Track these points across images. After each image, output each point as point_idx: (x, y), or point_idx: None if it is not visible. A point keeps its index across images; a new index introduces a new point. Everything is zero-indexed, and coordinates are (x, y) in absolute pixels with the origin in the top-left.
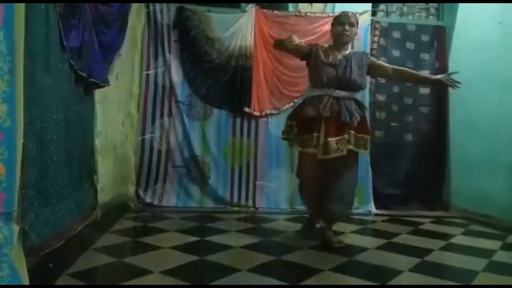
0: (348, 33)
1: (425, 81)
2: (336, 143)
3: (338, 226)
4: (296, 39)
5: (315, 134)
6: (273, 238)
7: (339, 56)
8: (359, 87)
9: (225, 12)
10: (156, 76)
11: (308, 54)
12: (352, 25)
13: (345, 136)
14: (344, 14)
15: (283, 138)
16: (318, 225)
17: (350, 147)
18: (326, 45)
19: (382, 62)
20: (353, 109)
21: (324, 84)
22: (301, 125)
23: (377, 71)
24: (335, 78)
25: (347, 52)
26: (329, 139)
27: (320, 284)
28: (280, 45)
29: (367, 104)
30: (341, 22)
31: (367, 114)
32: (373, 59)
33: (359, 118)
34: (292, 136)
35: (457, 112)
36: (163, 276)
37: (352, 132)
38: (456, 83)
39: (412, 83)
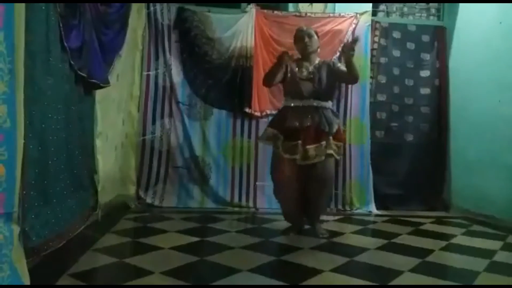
0: (309, 43)
1: (347, 68)
2: (314, 150)
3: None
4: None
5: (299, 141)
6: (273, 239)
7: (311, 68)
8: (331, 97)
9: (225, 13)
10: (156, 76)
11: (284, 71)
12: (310, 35)
13: (322, 143)
14: (299, 30)
15: (262, 143)
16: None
17: (330, 151)
18: (295, 58)
19: (340, 66)
20: (331, 117)
21: (303, 97)
22: (285, 133)
23: (338, 75)
24: (313, 91)
25: (316, 62)
26: (308, 146)
27: (320, 284)
28: (268, 78)
29: (367, 104)
30: (301, 37)
31: (340, 122)
32: (337, 65)
33: (337, 126)
34: (279, 143)
35: (457, 112)
36: (164, 276)
37: (331, 138)
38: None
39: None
